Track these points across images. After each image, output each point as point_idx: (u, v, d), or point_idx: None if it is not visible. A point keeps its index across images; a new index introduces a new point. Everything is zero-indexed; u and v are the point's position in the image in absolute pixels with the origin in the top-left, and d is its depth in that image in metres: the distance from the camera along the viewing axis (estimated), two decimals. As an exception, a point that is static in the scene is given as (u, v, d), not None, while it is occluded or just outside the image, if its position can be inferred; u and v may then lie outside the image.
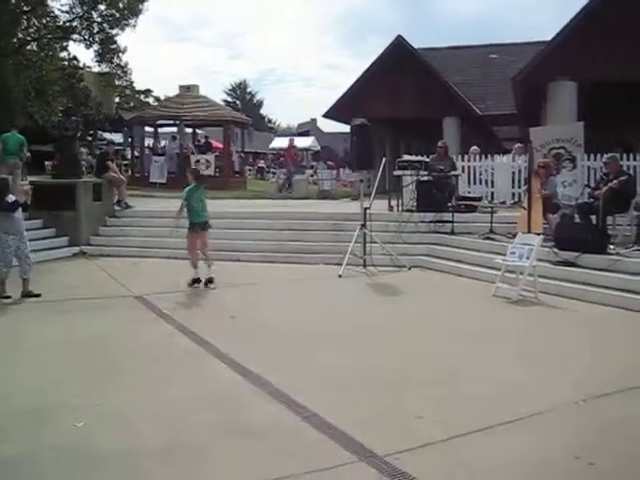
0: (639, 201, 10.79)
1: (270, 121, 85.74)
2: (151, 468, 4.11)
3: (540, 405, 5.03)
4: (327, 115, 27.39)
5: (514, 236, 10.06)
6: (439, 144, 14.75)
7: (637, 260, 9.20)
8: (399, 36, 25.10)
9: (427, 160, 14.18)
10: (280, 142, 56.39)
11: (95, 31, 29.72)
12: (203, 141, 29.61)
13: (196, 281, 9.81)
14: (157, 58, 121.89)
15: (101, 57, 30.53)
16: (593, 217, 10.51)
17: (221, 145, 29.07)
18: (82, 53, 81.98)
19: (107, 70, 31.76)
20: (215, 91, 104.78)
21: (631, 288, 8.63)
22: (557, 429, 4.68)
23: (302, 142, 55.03)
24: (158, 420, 4.84)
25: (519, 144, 16.64)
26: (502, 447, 4.37)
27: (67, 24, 29.75)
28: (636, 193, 11.05)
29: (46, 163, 25.70)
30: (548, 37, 18.91)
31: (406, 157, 15.34)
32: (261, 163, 46.57)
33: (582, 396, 5.22)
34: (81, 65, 36.81)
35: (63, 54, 33.71)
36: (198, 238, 9.95)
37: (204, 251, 10.09)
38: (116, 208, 15.14)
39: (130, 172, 27.29)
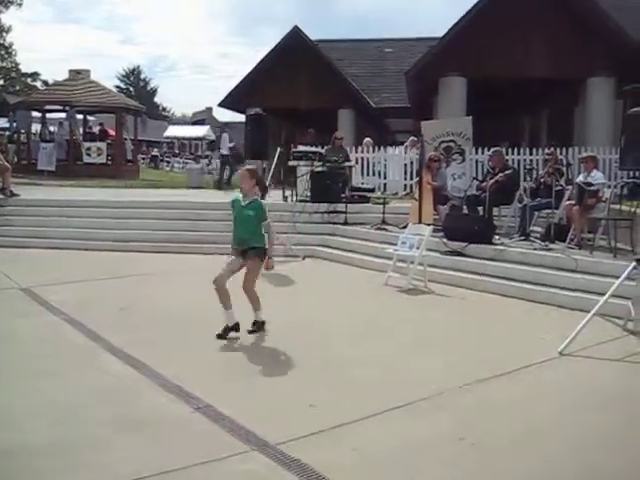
0: (522, 193, 11.35)
1: (164, 109, 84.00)
2: (41, 466, 3.95)
3: (426, 390, 5.19)
4: (223, 104, 27.16)
5: (405, 226, 10.33)
6: (335, 135, 14.90)
7: (520, 250, 9.64)
8: (295, 26, 25.21)
9: (322, 151, 14.31)
10: (174, 131, 55.57)
11: (-25, 8, 28.15)
12: (98, 128, 28.69)
13: None
14: (45, 40, 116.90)
15: (-18, 36, 28.98)
16: (480, 208, 10.95)
17: (113, 132, 28.28)
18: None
19: (-11, 51, 30.18)
20: (107, 76, 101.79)
21: (514, 276, 9.03)
22: (442, 413, 4.86)
23: (197, 131, 54.47)
24: (46, 416, 4.66)
25: (413, 137, 17.05)
26: (392, 432, 4.49)
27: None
28: (520, 186, 11.60)
29: None
30: (441, 34, 19.46)
31: (301, 148, 15.41)
32: (155, 152, 45.59)
33: (465, 380, 5.43)
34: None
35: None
36: None
37: None
38: (0, 197, 14.47)
39: (16, 159, 26.07)
